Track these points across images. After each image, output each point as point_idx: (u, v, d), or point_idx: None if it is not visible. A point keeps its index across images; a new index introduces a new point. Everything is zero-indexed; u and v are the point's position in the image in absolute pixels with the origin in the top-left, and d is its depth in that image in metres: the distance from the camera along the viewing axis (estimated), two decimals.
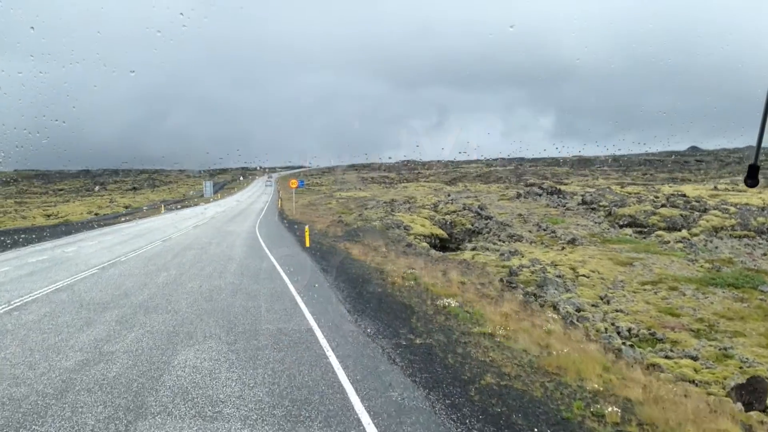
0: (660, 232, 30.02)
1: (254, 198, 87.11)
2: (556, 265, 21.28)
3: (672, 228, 31.10)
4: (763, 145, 3.59)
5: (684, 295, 18.01)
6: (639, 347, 13.52)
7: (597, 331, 14.53)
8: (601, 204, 37.10)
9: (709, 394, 11.26)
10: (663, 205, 34.85)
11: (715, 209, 33.42)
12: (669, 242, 26.57)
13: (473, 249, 26.95)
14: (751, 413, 10.02)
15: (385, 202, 46.24)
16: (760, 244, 27.53)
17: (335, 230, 32.80)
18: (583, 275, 19.94)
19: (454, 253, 26.73)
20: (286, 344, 8.93)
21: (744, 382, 11.44)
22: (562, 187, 47.71)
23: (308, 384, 7.12)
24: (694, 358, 13.06)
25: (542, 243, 28.25)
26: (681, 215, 32.51)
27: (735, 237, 28.42)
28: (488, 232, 31.46)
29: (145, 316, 10.83)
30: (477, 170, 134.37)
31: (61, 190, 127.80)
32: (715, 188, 43.41)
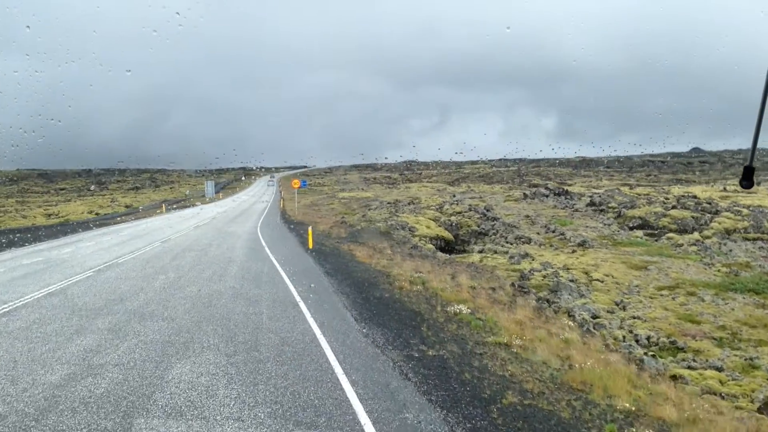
0: (671, 235, 29.32)
1: (256, 198, 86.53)
2: (568, 269, 20.60)
3: (683, 230, 30.40)
4: (759, 147, 3.63)
5: (703, 301, 17.32)
6: (660, 357, 12.85)
7: (615, 339, 13.86)
8: (610, 205, 36.37)
9: (737, 408, 10.59)
10: (673, 207, 34.14)
11: (727, 211, 32.74)
12: (682, 245, 25.85)
13: (481, 251, 26.27)
14: None
15: (388, 203, 45.58)
16: None
17: (338, 231, 32.16)
18: (597, 280, 19.26)
19: (461, 255, 26.06)
20: (289, 356, 8.29)
21: None
22: (568, 188, 47.04)
23: (314, 403, 6.48)
24: (719, 369, 12.39)
25: (551, 245, 27.57)
26: (692, 217, 31.81)
27: (749, 240, 27.73)
28: (495, 234, 30.79)
29: (140, 323, 10.19)
30: (479, 171, 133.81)
31: (62, 189, 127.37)
32: (725, 189, 42.70)
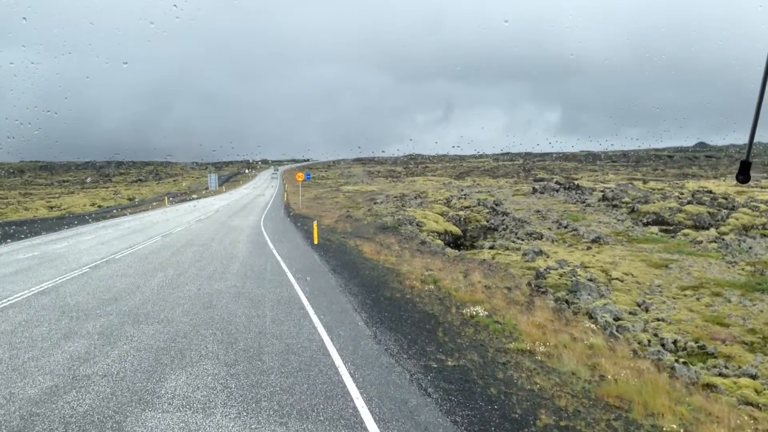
0: (687, 231, 28.41)
1: (260, 191, 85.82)
2: (585, 267, 19.74)
3: (699, 226, 29.49)
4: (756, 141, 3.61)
5: (729, 302, 16.48)
6: (691, 364, 12.04)
7: (639, 343, 13.06)
8: (623, 200, 35.41)
9: None
10: (689, 202, 33.17)
11: (744, 207, 31.82)
12: (701, 242, 24.96)
13: (491, 248, 25.44)
14: None
15: (395, 197, 44.73)
16: None
17: (344, 226, 31.38)
18: (617, 279, 18.42)
19: (471, 251, 25.25)
20: (295, 367, 7.51)
21: None
22: (579, 182, 46.07)
23: (324, 427, 5.70)
24: (753, 377, 11.58)
25: (564, 241, 26.72)
26: (708, 213, 30.88)
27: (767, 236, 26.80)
28: (504, 230, 29.94)
29: (134, 327, 9.43)
30: (484, 165, 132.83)
31: (66, 181, 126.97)
32: (738, 184, 41.44)
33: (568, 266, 19.60)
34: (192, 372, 7.24)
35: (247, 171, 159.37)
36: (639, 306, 16.23)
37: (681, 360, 12.01)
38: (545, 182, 47.32)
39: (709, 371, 11.95)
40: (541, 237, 27.49)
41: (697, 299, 16.74)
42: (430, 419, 6.07)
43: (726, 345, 13.37)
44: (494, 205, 35.59)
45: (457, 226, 31.39)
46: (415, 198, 42.04)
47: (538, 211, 34.79)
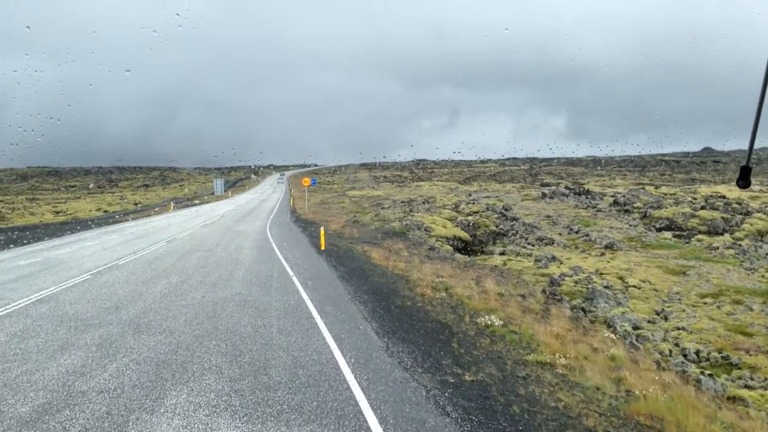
0: (701, 236, 27.81)
1: (266, 196, 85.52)
2: (601, 274, 19.20)
3: (713, 232, 28.88)
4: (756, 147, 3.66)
5: (751, 310, 15.92)
6: (716, 376, 11.50)
7: (660, 353, 12.55)
8: (635, 206, 34.80)
9: None
10: (702, 207, 32.57)
11: (758, 212, 31.18)
12: (717, 248, 24.37)
13: (502, 253, 24.91)
14: None
15: (402, 202, 44.24)
16: None
17: (351, 231, 30.93)
18: (634, 286, 17.86)
19: (482, 257, 24.74)
20: (303, 382, 7.06)
21: None
22: (587, 187, 45.39)
23: None
24: None
25: (576, 247, 26.16)
26: (722, 218, 30.25)
27: None
28: (515, 235, 29.40)
29: (134, 337, 9.00)
30: (490, 170, 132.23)
31: (72, 186, 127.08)
32: (751, 189, 40.93)
33: (583, 273, 19.07)
34: (194, 388, 6.80)
35: (253, 176, 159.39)
36: (658, 314, 15.70)
37: (706, 372, 11.48)
38: (554, 187, 46.71)
39: (735, 383, 11.42)
40: (552, 242, 26.95)
41: (718, 307, 16.19)
42: None
43: (750, 355, 12.82)
44: (503, 210, 35.06)
45: (465, 231, 30.87)
46: (423, 203, 41.55)
47: (548, 216, 34.22)
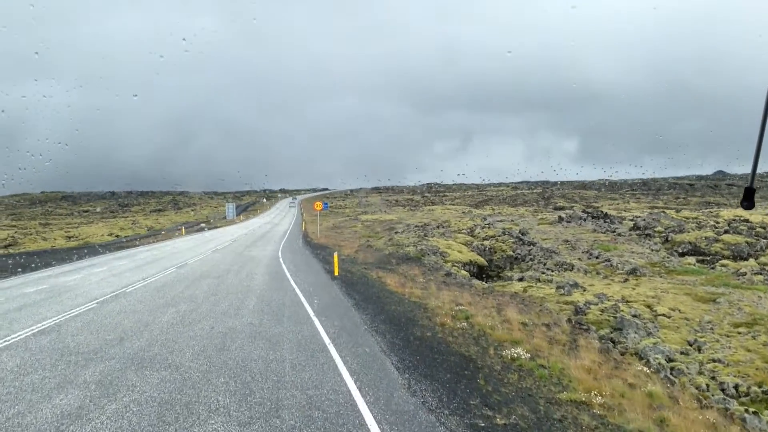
0: (725, 261, 26.88)
1: (277, 220, 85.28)
2: (627, 302, 18.39)
3: (738, 256, 27.94)
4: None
5: None
6: (760, 413, 10.67)
7: (697, 388, 11.73)
8: (656, 230, 33.90)
9: None
10: (726, 231, 31.63)
11: None
12: (745, 273, 23.48)
13: (521, 279, 24.13)
14: None
15: (416, 226, 43.58)
16: None
17: (364, 256, 30.31)
18: (663, 315, 16.99)
19: (500, 283, 23.96)
20: (319, 426, 6.40)
21: None
22: (608, 210, 44.50)
23: None
24: None
25: (597, 273, 25.32)
26: (746, 242, 29.32)
27: None
28: (532, 260, 28.61)
29: (137, 373, 8.39)
30: (503, 193, 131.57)
31: (86, 211, 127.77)
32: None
33: (609, 300, 18.25)
34: None
35: (264, 200, 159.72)
36: (690, 345, 14.85)
37: (750, 409, 10.65)
38: (570, 210, 45.88)
39: None
40: (572, 268, 26.13)
41: (753, 337, 15.31)
42: None
43: None
44: (520, 235, 34.30)
45: (482, 256, 30.14)
46: (438, 227, 40.86)
47: (566, 241, 33.38)
